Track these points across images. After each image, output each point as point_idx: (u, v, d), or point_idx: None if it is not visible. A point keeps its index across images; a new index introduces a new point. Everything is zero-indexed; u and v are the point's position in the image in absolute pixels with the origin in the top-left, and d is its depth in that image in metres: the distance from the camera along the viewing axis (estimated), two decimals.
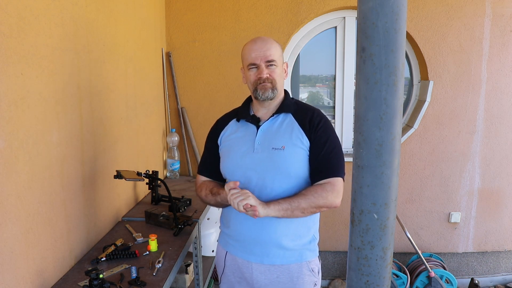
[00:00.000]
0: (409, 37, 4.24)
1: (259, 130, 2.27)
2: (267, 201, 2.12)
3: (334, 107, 4.59)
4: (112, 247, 2.58)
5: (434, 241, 4.60)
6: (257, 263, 2.26)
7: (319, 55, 4.55)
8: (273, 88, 2.25)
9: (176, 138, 4.18)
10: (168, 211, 3.13)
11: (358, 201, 0.72)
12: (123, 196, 3.23)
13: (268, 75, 2.23)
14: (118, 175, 2.68)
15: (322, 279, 4.54)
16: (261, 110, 2.35)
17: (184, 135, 4.33)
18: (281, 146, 2.18)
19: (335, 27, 4.44)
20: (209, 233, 3.79)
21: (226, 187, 2.14)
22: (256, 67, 2.24)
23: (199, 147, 4.36)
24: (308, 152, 2.21)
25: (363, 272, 0.74)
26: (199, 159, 4.33)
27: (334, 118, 4.60)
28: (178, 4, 4.22)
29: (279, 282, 2.27)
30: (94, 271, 2.06)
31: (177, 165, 4.20)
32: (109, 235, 2.86)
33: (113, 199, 3.05)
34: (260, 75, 2.22)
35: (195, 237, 3.05)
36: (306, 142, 2.20)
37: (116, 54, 3.03)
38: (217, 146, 2.42)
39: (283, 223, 2.20)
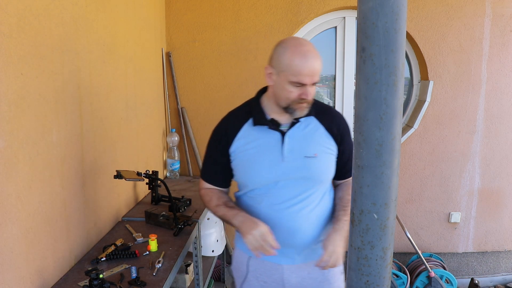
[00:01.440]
0: (409, 37, 4.24)
1: (285, 137, 2.12)
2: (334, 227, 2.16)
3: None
4: (112, 247, 2.57)
5: (434, 241, 4.60)
6: (288, 264, 2.23)
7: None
8: (308, 105, 2.10)
9: (176, 138, 4.18)
10: (168, 211, 3.13)
11: (358, 201, 0.73)
12: (123, 196, 3.23)
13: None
14: (118, 175, 2.68)
15: None
16: (280, 113, 2.17)
17: (184, 135, 4.33)
18: (314, 154, 2.11)
19: (335, 27, 4.44)
20: (209, 233, 3.79)
21: (256, 234, 1.98)
22: (301, 85, 2.01)
23: (199, 147, 4.36)
24: (335, 157, 2.20)
25: (363, 272, 0.74)
26: (199, 159, 4.34)
27: None
28: (178, 4, 4.22)
29: (310, 278, 2.24)
30: (94, 271, 2.06)
31: (177, 165, 4.20)
32: (109, 235, 2.86)
33: (113, 199, 3.05)
34: (305, 97, 2.02)
35: (195, 237, 3.05)
36: (333, 147, 2.18)
37: (116, 54, 3.04)
38: (228, 156, 2.22)
39: (315, 224, 2.18)
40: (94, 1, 2.68)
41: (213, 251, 3.80)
